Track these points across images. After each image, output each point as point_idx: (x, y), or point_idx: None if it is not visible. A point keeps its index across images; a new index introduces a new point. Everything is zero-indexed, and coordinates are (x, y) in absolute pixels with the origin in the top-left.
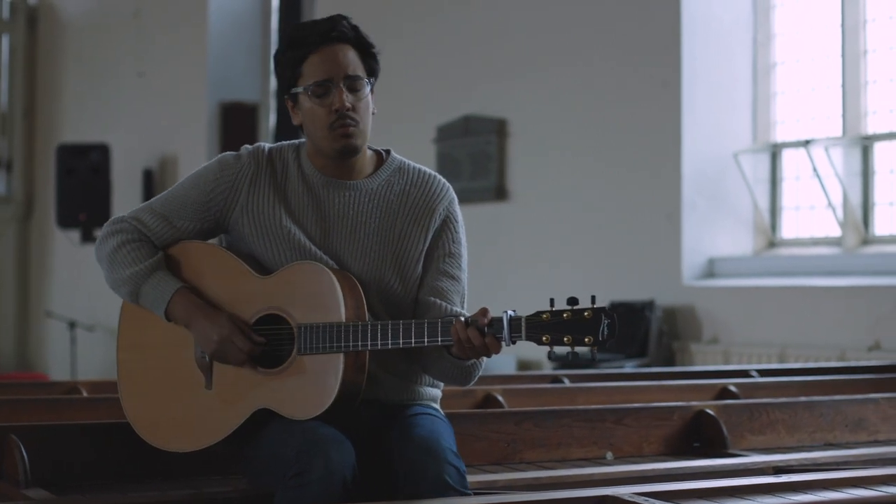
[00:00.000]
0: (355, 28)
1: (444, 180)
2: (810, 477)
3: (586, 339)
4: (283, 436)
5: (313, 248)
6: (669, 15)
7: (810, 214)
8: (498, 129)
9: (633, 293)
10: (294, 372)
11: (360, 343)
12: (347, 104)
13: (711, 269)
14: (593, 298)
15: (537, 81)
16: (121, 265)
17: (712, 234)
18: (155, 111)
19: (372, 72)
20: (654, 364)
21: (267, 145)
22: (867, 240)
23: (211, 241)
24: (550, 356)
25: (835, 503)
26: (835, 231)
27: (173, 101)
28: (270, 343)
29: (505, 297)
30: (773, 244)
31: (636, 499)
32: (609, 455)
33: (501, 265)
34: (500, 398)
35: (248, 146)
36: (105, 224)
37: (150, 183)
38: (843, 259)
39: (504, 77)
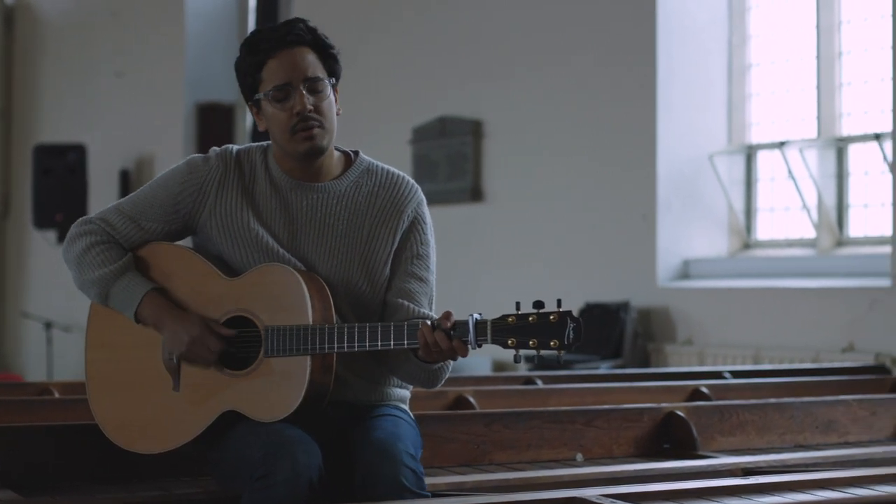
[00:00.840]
0: (313, 30)
1: (412, 181)
2: (778, 479)
3: (552, 343)
4: (250, 438)
5: (281, 250)
6: (645, 17)
7: (785, 216)
8: (474, 130)
9: (608, 294)
10: (261, 374)
11: (326, 346)
12: (309, 106)
13: (686, 270)
14: (559, 302)
15: (513, 83)
16: (89, 267)
17: (687, 236)
18: (132, 111)
19: (332, 72)
20: (628, 365)
21: (235, 147)
22: (841, 241)
23: (179, 242)
24: (517, 359)
25: None
26: (809, 233)
27: (151, 102)
28: (238, 345)
29: (480, 298)
30: (747, 245)
31: (604, 500)
32: (579, 456)
33: (477, 266)
34: (471, 399)
35: (216, 148)
36: (72, 226)
37: (127, 183)
38: (818, 261)
39: (480, 78)
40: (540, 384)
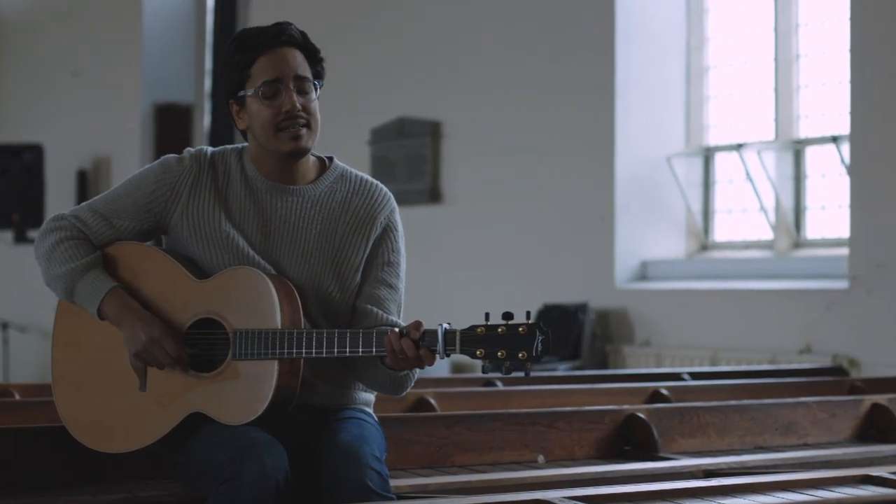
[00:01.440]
0: (303, 34)
1: (385, 189)
2: (739, 480)
3: (520, 355)
4: (216, 440)
5: (252, 253)
6: (603, 18)
7: (742, 218)
8: (432, 131)
9: (566, 296)
10: (228, 377)
11: (294, 350)
12: (297, 104)
13: (644, 271)
14: (528, 314)
15: (472, 84)
16: (57, 262)
17: (645, 237)
18: (89, 111)
19: (318, 76)
20: (587, 367)
21: (209, 149)
22: (799, 243)
23: (149, 242)
24: (485, 370)
25: None
26: (767, 234)
27: (107, 102)
28: (205, 347)
29: (439, 299)
30: (705, 247)
31: (566, 503)
32: (541, 458)
33: (435, 267)
34: (432, 401)
35: (190, 149)
36: (45, 221)
37: (84, 183)
38: (775, 262)
39: (438, 79)
40: (500, 386)
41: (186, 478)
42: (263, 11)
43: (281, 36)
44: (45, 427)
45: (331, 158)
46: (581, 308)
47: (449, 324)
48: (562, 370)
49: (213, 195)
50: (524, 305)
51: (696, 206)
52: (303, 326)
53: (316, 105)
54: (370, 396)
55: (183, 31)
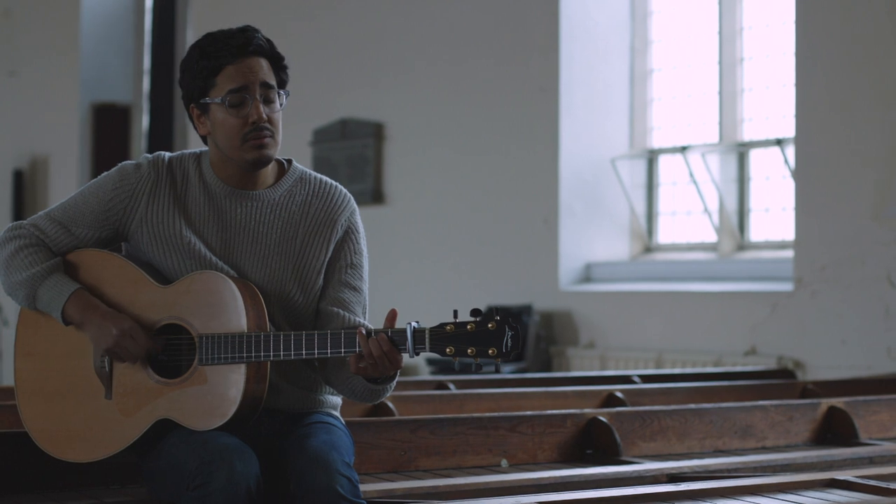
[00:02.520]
0: (269, 41)
1: (345, 191)
2: (708, 485)
3: (490, 351)
4: (184, 446)
5: (213, 258)
6: (547, 20)
7: (686, 220)
8: (375, 132)
9: (510, 298)
10: (195, 382)
11: (262, 353)
12: (264, 115)
13: (588, 273)
14: (496, 310)
15: (415, 84)
16: (17, 269)
17: (589, 239)
18: (26, 111)
19: (283, 84)
20: (531, 369)
21: (167, 154)
22: (743, 245)
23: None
24: (455, 367)
25: None
26: (711, 237)
27: (45, 101)
28: (171, 353)
29: (382, 301)
30: (649, 249)
31: None
32: (504, 462)
33: (379, 269)
34: (390, 405)
35: (147, 155)
36: (2, 231)
37: (21, 183)
38: (719, 264)
39: (381, 80)
40: (453, 388)
41: (154, 484)
42: (203, 12)
43: (248, 46)
44: (5, 432)
45: (289, 161)
46: (525, 310)
47: (417, 322)
48: (507, 372)
49: (172, 201)
50: (468, 307)
51: (640, 209)
52: (268, 329)
53: (280, 115)
54: (337, 400)
55: (121, 30)
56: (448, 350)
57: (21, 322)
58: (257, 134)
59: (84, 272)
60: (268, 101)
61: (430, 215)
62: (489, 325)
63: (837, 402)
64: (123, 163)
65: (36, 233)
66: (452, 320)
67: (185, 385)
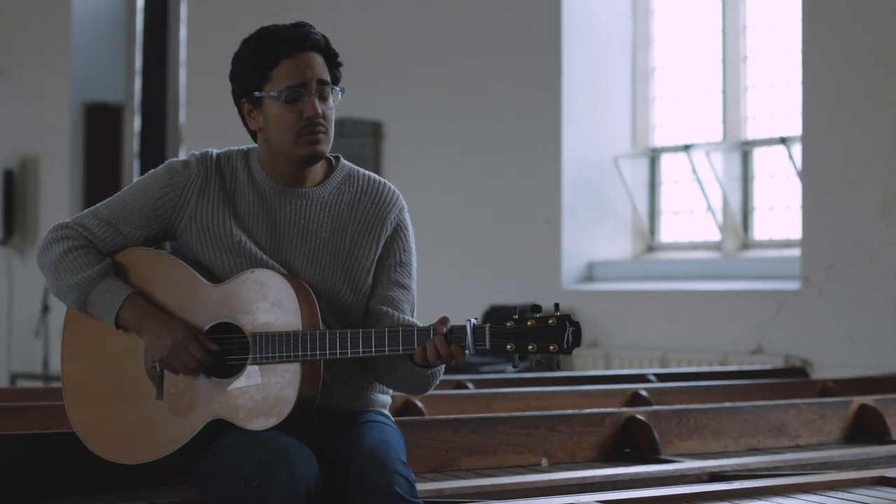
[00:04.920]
0: (325, 38)
1: (394, 188)
2: (761, 483)
3: (551, 347)
4: (239, 446)
5: (263, 256)
6: (549, 18)
7: (689, 219)
8: (373, 131)
9: (512, 297)
10: (248, 382)
11: (318, 352)
12: (320, 111)
13: (591, 272)
14: (556, 306)
15: (413, 84)
16: (67, 272)
17: (592, 238)
18: (16, 111)
19: (337, 81)
20: (535, 369)
21: (215, 151)
22: (747, 244)
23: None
24: (515, 364)
25: None
26: (714, 235)
27: (35, 101)
28: (222, 352)
29: None
30: (651, 248)
31: None
32: (544, 461)
33: None
34: (419, 404)
35: (195, 153)
36: (48, 231)
37: (11, 183)
38: (723, 263)
39: (379, 79)
40: (472, 388)
41: (208, 485)
42: (195, 11)
43: (305, 40)
44: (52, 433)
45: (337, 158)
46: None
47: (477, 319)
48: (510, 372)
49: (222, 199)
50: (471, 306)
51: (643, 207)
52: (321, 327)
53: (333, 112)
54: (387, 398)
55: (112, 30)
56: (509, 347)
57: (68, 322)
58: (312, 129)
59: (134, 272)
60: (323, 98)
61: (431, 215)
62: (550, 322)
63: (868, 399)
64: (171, 160)
65: (84, 233)
66: (513, 316)
67: (237, 385)
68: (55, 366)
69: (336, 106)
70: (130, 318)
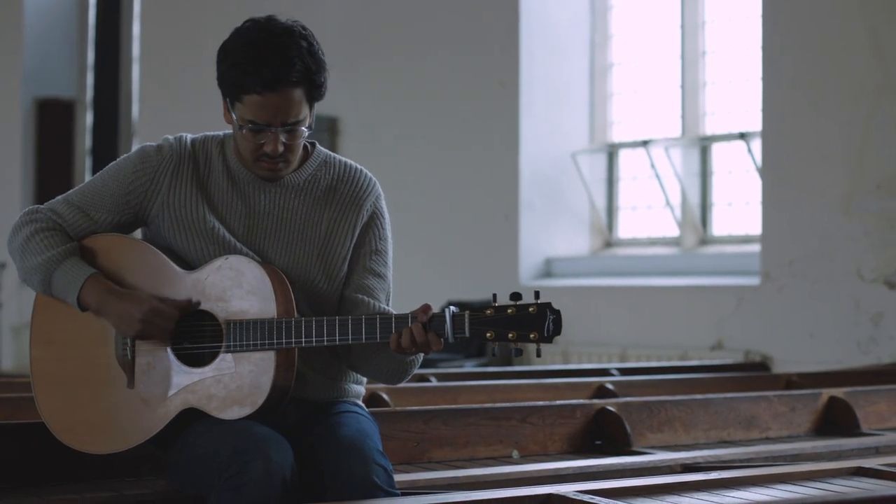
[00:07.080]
0: (312, 61)
1: (370, 175)
2: (739, 474)
3: (532, 335)
4: (214, 436)
5: (237, 243)
6: (508, 14)
7: (648, 214)
8: (329, 127)
9: (471, 293)
10: (221, 370)
11: (293, 339)
12: (280, 149)
13: (549, 268)
14: (537, 294)
15: (370, 79)
16: (32, 253)
17: (550, 234)
18: None
19: (316, 99)
20: (492, 364)
21: (189, 136)
22: (705, 240)
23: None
24: (494, 352)
25: (778, 502)
26: (673, 231)
27: None
28: (195, 340)
29: None
30: (609, 244)
31: (581, 496)
32: (515, 453)
33: None
34: (385, 396)
35: (168, 137)
36: (19, 216)
37: None
38: (682, 259)
39: (335, 74)
40: (435, 381)
41: (180, 475)
42: (149, 7)
43: (282, 81)
44: (18, 423)
45: (313, 144)
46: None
47: (457, 307)
48: (468, 367)
49: (195, 185)
50: (429, 301)
51: (601, 203)
52: (296, 315)
53: (301, 139)
54: (361, 389)
55: (65, 25)
56: (488, 334)
57: (37, 309)
58: (271, 163)
59: (103, 257)
60: (290, 132)
61: (389, 211)
62: (530, 309)
63: (838, 392)
64: (144, 145)
65: (53, 217)
66: (492, 304)
67: (211, 373)
68: (6, 363)
69: (309, 129)
70: (92, 298)
